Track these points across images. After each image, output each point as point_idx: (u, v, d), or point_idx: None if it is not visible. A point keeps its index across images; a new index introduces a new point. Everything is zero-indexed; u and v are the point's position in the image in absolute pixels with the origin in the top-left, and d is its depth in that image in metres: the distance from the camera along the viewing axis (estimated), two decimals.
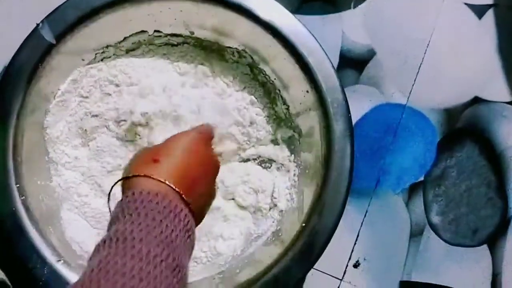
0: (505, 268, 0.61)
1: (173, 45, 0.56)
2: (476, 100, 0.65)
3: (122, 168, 0.54)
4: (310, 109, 0.51)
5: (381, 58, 0.65)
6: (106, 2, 0.49)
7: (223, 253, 0.52)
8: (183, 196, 0.37)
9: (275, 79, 0.54)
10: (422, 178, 0.63)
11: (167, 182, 0.37)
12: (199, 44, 0.56)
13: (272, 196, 0.54)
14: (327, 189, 0.47)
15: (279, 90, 0.55)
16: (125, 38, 0.53)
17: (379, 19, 0.66)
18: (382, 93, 0.64)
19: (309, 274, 0.57)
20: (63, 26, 0.48)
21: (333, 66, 0.50)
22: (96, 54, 0.53)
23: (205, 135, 0.47)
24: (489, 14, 0.67)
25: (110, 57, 0.54)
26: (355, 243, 0.61)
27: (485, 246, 0.62)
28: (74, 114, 0.54)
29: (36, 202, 0.48)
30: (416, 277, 0.61)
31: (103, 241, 0.32)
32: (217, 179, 0.47)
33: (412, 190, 0.62)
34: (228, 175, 0.55)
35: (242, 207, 0.55)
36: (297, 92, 0.52)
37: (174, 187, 0.37)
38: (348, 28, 0.66)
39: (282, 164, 0.56)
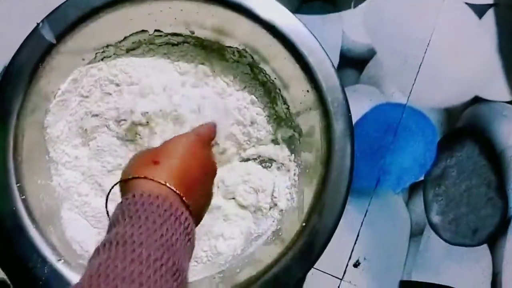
0: (505, 268, 0.61)
1: (173, 44, 0.56)
2: (476, 100, 0.65)
3: (123, 168, 0.54)
4: (311, 109, 0.51)
5: (381, 58, 0.65)
6: (106, 1, 0.49)
7: (223, 253, 0.52)
8: (183, 198, 0.37)
9: (275, 78, 0.54)
10: (422, 178, 0.63)
11: (167, 184, 0.37)
12: (199, 43, 0.56)
13: (272, 195, 0.54)
14: (327, 189, 0.47)
15: (280, 90, 0.55)
16: (125, 38, 0.53)
17: (379, 19, 0.66)
18: (382, 93, 0.64)
19: (309, 273, 0.57)
20: (63, 25, 0.48)
21: (333, 65, 0.50)
22: (96, 53, 0.53)
23: (204, 137, 0.47)
24: (490, 14, 0.67)
25: (110, 56, 0.54)
26: (355, 243, 0.61)
27: (485, 246, 0.62)
28: (74, 114, 0.54)
29: (37, 201, 0.48)
30: (416, 277, 0.61)
31: (103, 244, 0.32)
32: (218, 179, 0.47)
33: (412, 189, 0.62)
34: (229, 175, 0.55)
35: (242, 207, 0.55)
36: (298, 91, 0.52)
37: (174, 189, 0.37)
38: (348, 28, 0.66)
39: (283, 164, 0.56)
